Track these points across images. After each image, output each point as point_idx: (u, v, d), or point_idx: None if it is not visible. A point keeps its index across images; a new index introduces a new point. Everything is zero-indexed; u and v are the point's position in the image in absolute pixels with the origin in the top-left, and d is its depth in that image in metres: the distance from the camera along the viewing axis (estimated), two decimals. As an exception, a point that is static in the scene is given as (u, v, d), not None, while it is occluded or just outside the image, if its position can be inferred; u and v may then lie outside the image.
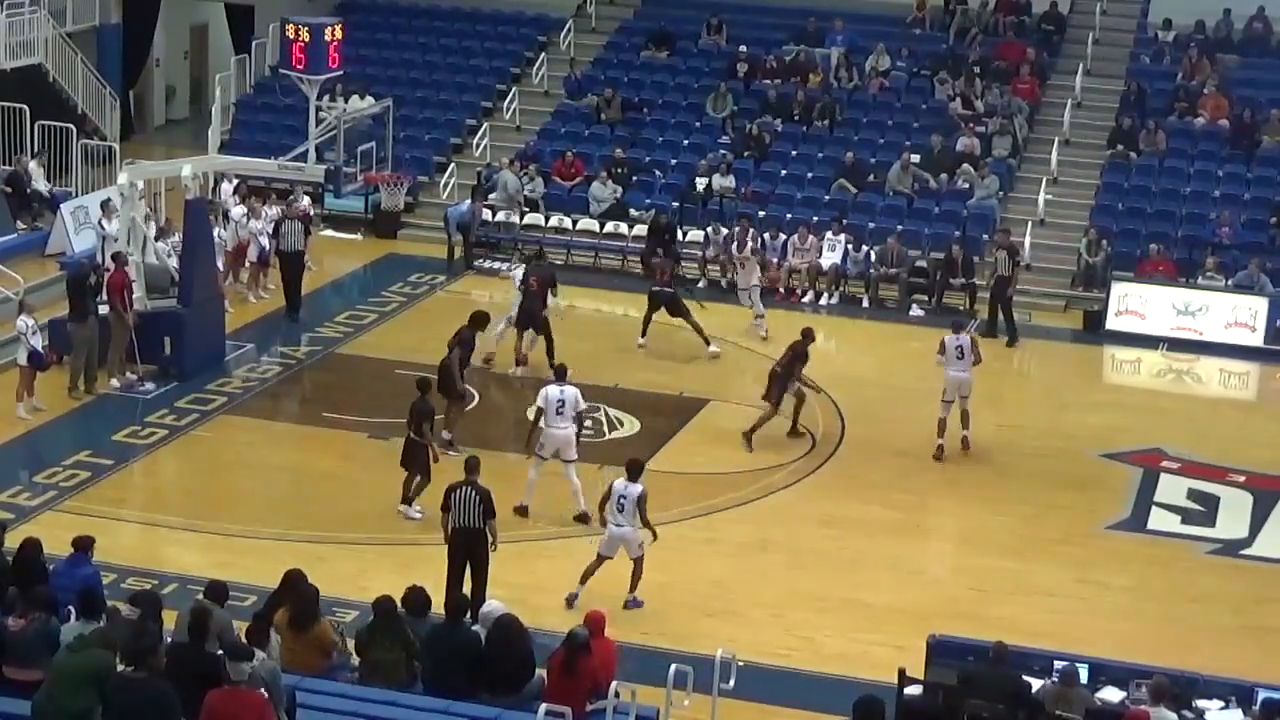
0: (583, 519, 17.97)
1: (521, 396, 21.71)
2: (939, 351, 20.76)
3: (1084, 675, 13.42)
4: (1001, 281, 25.15)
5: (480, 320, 20.71)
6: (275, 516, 18.19)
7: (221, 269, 24.20)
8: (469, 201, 28.26)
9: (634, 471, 16.45)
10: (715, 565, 17.60)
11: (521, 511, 18.18)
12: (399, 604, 12.96)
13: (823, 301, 27.15)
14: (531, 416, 18.95)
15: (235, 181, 26.35)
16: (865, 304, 27.14)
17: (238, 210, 25.32)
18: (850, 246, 27.29)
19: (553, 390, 18.39)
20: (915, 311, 26.64)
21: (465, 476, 15.80)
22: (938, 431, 20.60)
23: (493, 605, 13.57)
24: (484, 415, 21.24)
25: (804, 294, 27.19)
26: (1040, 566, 17.91)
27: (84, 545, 13.62)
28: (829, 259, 27.27)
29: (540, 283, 22.83)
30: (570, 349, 23.67)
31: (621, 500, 16.23)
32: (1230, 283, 26.35)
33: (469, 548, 15.58)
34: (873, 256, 27.23)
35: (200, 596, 12.98)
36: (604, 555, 16.42)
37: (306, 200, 25.40)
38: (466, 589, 15.26)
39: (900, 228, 27.91)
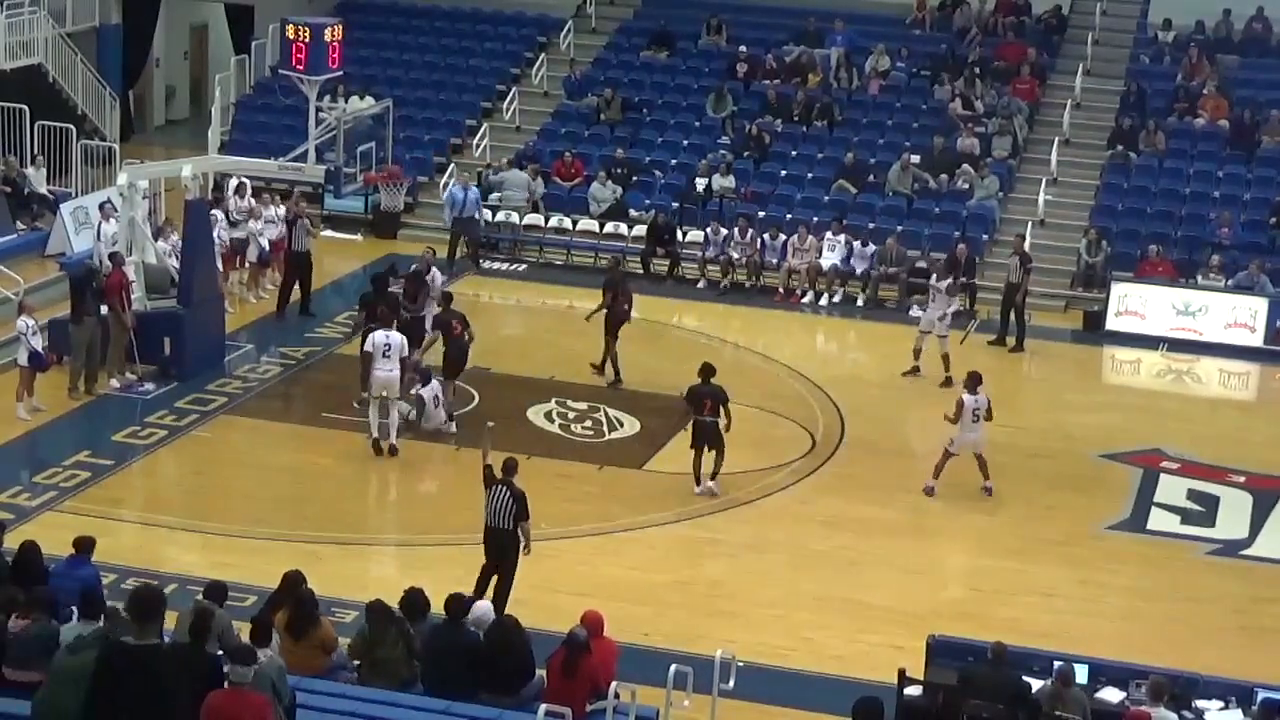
0: (392, 450, 19.73)
1: (517, 399, 21.72)
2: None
3: (1083, 676, 13.41)
4: (1012, 288, 25.01)
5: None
6: (275, 516, 18.14)
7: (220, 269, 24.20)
8: (473, 186, 28.20)
9: (975, 382, 19.36)
10: (715, 565, 17.59)
11: (376, 447, 19.69)
12: (398, 607, 12.92)
13: (822, 302, 27.10)
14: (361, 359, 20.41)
15: (237, 181, 26.26)
16: (861, 303, 27.08)
17: (217, 212, 25.29)
18: (858, 243, 27.20)
19: (379, 336, 19.81)
20: (915, 312, 26.58)
21: (502, 476, 15.76)
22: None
23: (485, 606, 13.62)
24: (482, 416, 21.10)
25: (804, 294, 27.15)
26: (1040, 567, 17.90)
27: (84, 546, 13.54)
28: (829, 259, 27.24)
29: (462, 325, 21.00)
30: (571, 349, 23.73)
31: (976, 411, 19.20)
32: (1230, 283, 26.33)
33: (499, 548, 15.56)
34: (876, 257, 27.15)
35: (200, 597, 12.95)
36: (951, 453, 19.28)
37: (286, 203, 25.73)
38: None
39: (900, 228, 27.87)
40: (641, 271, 27.78)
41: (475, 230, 28.07)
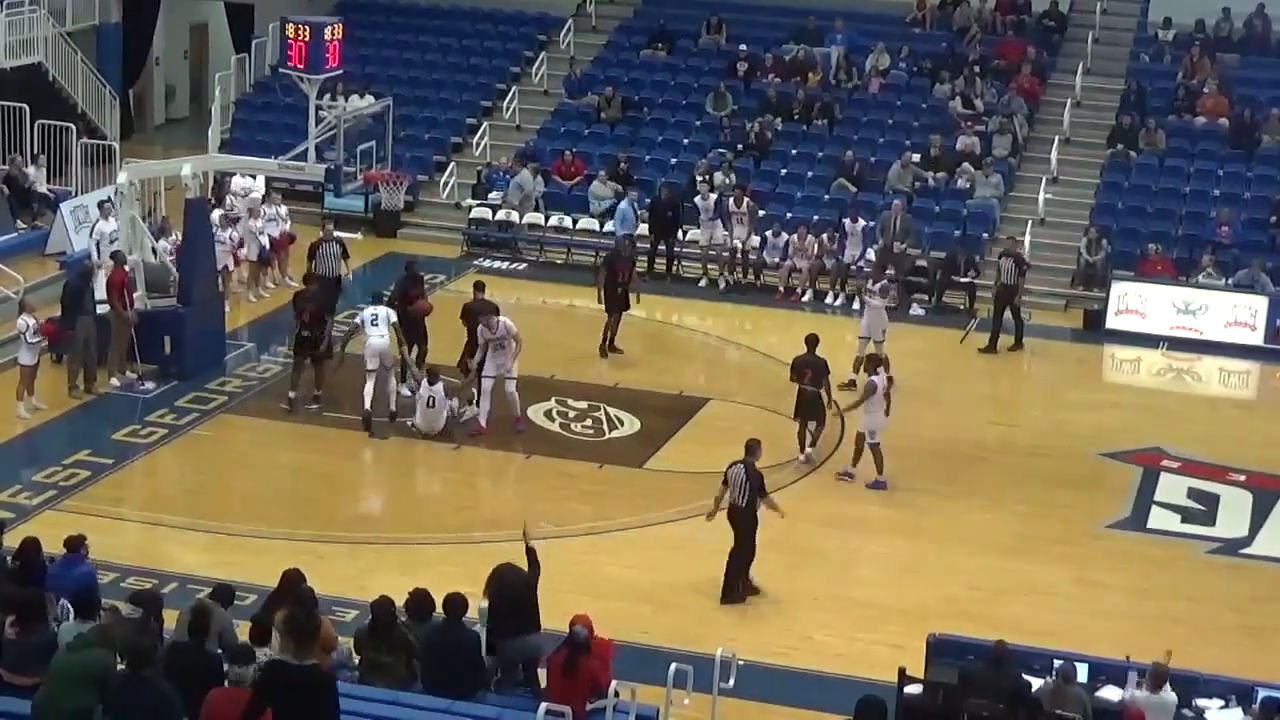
0: (391, 417, 20.37)
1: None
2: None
3: (1083, 674, 13.38)
4: (1007, 289, 24.70)
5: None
6: (276, 516, 18.07)
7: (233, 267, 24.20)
8: (627, 200, 27.83)
9: (876, 364, 19.72)
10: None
11: (366, 423, 20.33)
12: (403, 607, 12.88)
13: (829, 301, 26.93)
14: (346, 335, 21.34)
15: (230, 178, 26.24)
16: (857, 306, 26.92)
17: (216, 213, 25.17)
18: (847, 220, 27.02)
19: (367, 311, 20.78)
20: (915, 310, 26.52)
21: (744, 456, 16.65)
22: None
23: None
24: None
25: (804, 293, 27.05)
26: (1040, 566, 17.85)
27: (76, 544, 13.38)
28: (829, 261, 27.12)
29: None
30: (571, 348, 23.78)
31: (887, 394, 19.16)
32: (1230, 282, 26.21)
33: (735, 523, 16.53)
34: (876, 228, 26.87)
35: (203, 596, 12.89)
36: (872, 443, 19.34)
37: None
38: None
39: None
40: (646, 267, 27.53)
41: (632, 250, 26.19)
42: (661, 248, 27.91)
